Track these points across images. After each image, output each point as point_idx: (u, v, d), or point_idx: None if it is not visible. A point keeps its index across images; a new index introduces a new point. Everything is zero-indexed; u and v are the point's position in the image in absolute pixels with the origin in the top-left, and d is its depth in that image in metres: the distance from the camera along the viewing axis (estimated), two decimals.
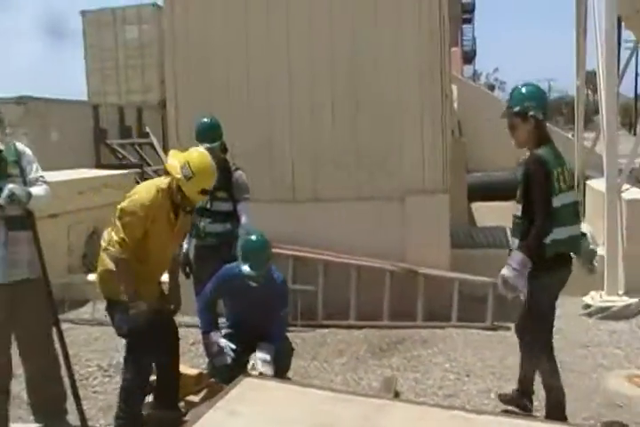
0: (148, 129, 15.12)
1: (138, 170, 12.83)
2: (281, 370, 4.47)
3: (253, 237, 4.40)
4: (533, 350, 3.97)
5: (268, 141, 6.51)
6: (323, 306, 6.24)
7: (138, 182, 10.93)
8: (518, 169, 4.10)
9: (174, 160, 3.86)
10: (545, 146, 3.85)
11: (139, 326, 3.72)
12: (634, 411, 4.24)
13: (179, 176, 3.77)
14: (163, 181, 3.88)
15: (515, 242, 3.87)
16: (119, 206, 3.81)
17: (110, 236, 3.77)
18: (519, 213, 3.86)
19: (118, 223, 3.74)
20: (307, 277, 6.20)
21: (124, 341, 3.99)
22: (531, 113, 3.83)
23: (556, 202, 3.76)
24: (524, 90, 3.94)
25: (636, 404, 4.34)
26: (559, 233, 3.77)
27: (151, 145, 14.76)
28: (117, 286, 3.81)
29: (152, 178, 13.37)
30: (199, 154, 3.93)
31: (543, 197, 3.73)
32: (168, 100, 6.73)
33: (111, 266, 3.79)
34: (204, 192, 3.86)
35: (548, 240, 3.75)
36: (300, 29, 6.39)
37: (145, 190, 3.85)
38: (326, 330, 6.00)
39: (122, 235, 3.70)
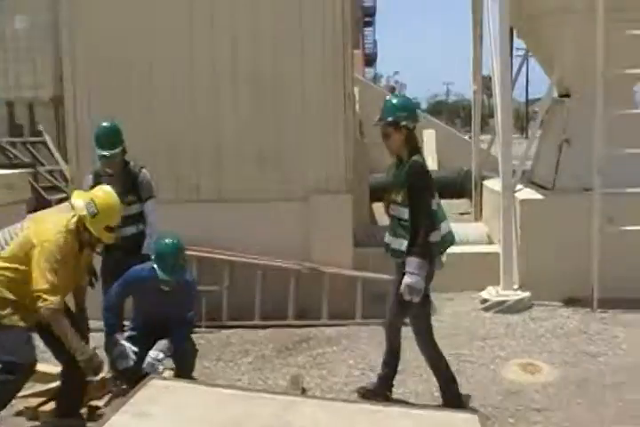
0: (41, 127, 14.44)
1: (31, 170, 12.22)
2: (185, 371, 4.42)
3: (169, 242, 4.33)
4: (420, 340, 4.20)
5: (171, 141, 6.39)
6: (228, 306, 6.19)
7: (31, 183, 10.45)
8: (390, 173, 4.26)
9: (78, 199, 3.92)
10: (417, 153, 4.11)
11: (95, 369, 3.82)
12: (528, 397, 4.51)
13: (84, 213, 3.81)
14: (71, 221, 3.85)
15: (401, 243, 4.04)
16: (36, 257, 3.69)
17: (33, 289, 3.65)
18: (406, 216, 4.04)
19: (48, 275, 3.63)
20: (212, 278, 6.13)
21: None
22: (403, 123, 4.06)
23: (434, 203, 4.07)
24: (395, 101, 4.22)
25: (529, 391, 4.61)
26: (444, 228, 4.12)
27: (44, 144, 14.10)
28: (2, 311, 3.72)
29: (46, 179, 12.63)
30: (104, 192, 4.01)
31: (426, 199, 4.02)
32: (66, 97, 6.48)
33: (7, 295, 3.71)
34: (109, 229, 3.90)
35: (438, 238, 4.05)
36: (202, 28, 6.32)
37: (57, 232, 3.78)
38: (231, 330, 5.98)
39: (51, 280, 3.63)
